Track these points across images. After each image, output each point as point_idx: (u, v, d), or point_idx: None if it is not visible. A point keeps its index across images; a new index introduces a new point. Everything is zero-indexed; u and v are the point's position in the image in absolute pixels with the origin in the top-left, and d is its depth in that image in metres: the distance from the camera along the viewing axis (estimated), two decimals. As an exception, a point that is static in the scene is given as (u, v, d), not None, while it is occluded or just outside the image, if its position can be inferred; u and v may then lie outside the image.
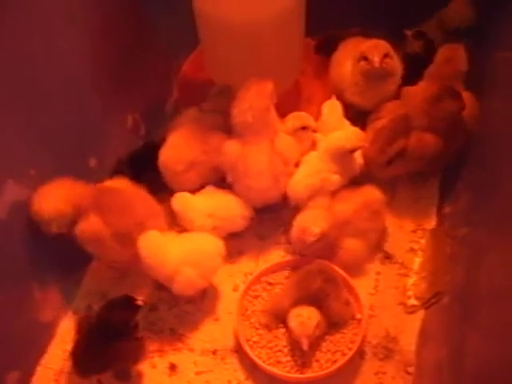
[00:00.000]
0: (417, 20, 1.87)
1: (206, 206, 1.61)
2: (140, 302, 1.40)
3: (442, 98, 1.57)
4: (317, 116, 1.75)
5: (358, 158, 1.65)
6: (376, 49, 1.65)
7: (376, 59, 1.62)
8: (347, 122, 1.73)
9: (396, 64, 1.70)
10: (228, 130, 1.61)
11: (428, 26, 1.87)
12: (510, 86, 1.45)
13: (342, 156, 1.61)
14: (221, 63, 1.72)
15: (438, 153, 1.62)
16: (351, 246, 1.56)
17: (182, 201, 1.61)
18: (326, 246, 1.53)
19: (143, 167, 1.67)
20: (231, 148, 1.58)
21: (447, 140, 1.62)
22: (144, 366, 1.48)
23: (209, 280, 1.54)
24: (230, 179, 1.61)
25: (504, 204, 1.33)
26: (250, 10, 1.51)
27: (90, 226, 1.47)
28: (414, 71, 1.73)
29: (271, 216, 1.69)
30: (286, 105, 1.77)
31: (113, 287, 1.62)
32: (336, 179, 1.62)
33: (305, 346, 1.38)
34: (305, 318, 1.41)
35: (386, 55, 1.64)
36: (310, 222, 1.51)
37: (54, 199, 1.45)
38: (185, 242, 1.52)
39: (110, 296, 1.54)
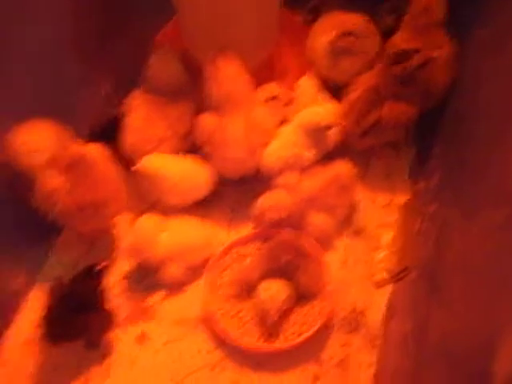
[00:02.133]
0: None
1: (173, 169, 1.59)
2: (100, 267, 1.41)
3: (399, 60, 1.56)
4: (291, 88, 1.74)
5: (336, 134, 1.65)
6: (337, 26, 1.64)
7: (333, 37, 1.62)
8: (325, 97, 1.72)
9: (365, 42, 1.68)
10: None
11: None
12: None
13: (317, 132, 1.60)
14: (197, 33, 1.70)
15: (412, 121, 1.64)
16: (318, 221, 1.56)
17: (150, 162, 1.58)
18: (293, 222, 1.54)
19: (113, 138, 1.65)
20: (207, 120, 1.58)
21: (423, 102, 1.62)
22: (113, 335, 1.49)
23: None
24: (205, 151, 1.60)
25: (471, 181, 1.34)
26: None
27: (51, 183, 1.45)
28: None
29: (245, 188, 1.68)
30: (261, 76, 1.76)
31: (83, 257, 1.61)
32: (308, 156, 1.62)
33: (272, 319, 1.40)
34: (274, 292, 1.42)
35: (347, 33, 1.64)
36: (270, 206, 1.53)
37: (38, 133, 1.47)
38: (174, 232, 1.55)
39: (80, 266, 1.53)
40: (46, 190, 1.46)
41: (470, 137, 1.47)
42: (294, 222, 1.54)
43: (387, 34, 1.74)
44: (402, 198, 1.68)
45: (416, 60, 1.55)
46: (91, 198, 1.48)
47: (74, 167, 1.46)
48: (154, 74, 1.66)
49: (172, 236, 1.54)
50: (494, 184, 1.19)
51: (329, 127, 1.61)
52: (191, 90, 1.66)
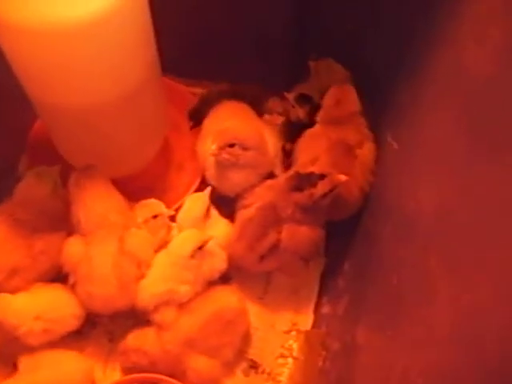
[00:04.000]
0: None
1: (30, 306, 1.35)
2: None
3: (301, 185, 1.34)
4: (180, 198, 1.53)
5: (221, 253, 1.42)
6: (221, 136, 1.39)
7: (214, 149, 1.38)
8: (215, 214, 1.48)
9: (255, 154, 1.41)
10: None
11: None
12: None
13: (189, 260, 1.35)
14: (65, 142, 1.46)
15: (317, 244, 1.43)
16: (200, 365, 1.34)
17: (1, 305, 1.33)
18: (170, 368, 1.33)
19: None
20: (73, 248, 1.35)
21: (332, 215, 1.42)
22: None
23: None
24: (71, 281, 1.37)
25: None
26: (86, 94, 1.26)
27: None
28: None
29: (124, 317, 1.44)
30: (152, 174, 1.56)
31: None
32: (185, 291, 1.36)
33: None
34: None
35: (231, 145, 1.37)
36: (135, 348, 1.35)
37: None
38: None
39: None
40: None
41: (380, 258, 1.28)
42: (170, 367, 1.33)
43: (298, 126, 1.55)
44: (305, 323, 1.48)
45: (321, 187, 1.32)
46: None
47: None
48: (25, 195, 1.39)
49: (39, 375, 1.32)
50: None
51: (200, 247, 1.35)
52: (66, 217, 1.40)
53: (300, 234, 1.37)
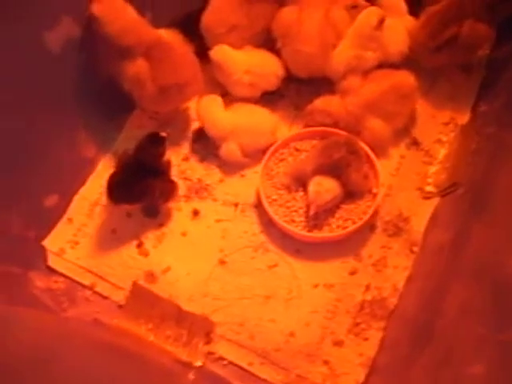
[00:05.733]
0: None
1: (243, 61, 1.65)
2: (164, 134, 1.52)
3: None
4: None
5: (402, 43, 1.66)
6: None
7: None
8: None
9: None
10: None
11: None
12: None
13: (374, 31, 1.61)
14: None
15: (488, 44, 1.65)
16: (375, 126, 1.59)
17: (221, 52, 1.64)
18: (350, 126, 1.59)
19: (192, 31, 1.68)
20: (287, 13, 1.63)
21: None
22: (170, 208, 1.61)
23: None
24: (279, 45, 1.65)
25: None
26: None
27: (136, 67, 1.54)
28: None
29: (310, 88, 1.72)
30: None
31: None
32: (370, 56, 1.63)
33: (311, 213, 1.49)
34: (323, 189, 1.49)
35: None
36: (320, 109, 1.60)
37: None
38: (241, 113, 1.64)
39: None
40: (130, 73, 1.54)
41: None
42: (350, 126, 1.59)
43: None
44: (463, 119, 1.70)
45: None
46: (173, 79, 1.56)
47: (152, 50, 1.55)
48: None
49: (237, 115, 1.63)
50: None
51: (380, 22, 1.61)
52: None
53: (479, 30, 1.60)
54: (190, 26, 1.69)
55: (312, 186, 1.50)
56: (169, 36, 1.59)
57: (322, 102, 1.62)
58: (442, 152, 1.66)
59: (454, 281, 1.34)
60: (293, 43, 1.62)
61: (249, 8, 1.67)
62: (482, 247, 1.33)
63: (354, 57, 1.62)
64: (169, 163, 1.55)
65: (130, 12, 1.53)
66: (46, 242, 1.59)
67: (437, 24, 1.61)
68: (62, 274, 1.56)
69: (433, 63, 1.69)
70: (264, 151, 1.62)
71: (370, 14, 1.62)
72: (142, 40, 1.54)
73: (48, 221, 1.60)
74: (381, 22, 1.61)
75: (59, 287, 1.55)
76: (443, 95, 1.73)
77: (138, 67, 1.54)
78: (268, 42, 1.68)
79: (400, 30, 1.67)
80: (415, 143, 1.67)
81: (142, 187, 1.50)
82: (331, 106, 1.60)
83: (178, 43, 1.59)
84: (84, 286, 1.55)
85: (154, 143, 1.50)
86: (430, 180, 1.62)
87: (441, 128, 1.69)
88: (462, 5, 1.59)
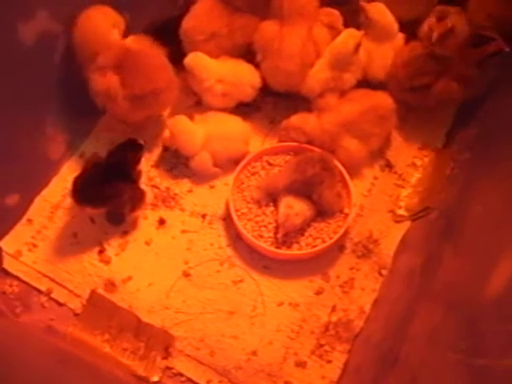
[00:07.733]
0: None
1: (217, 69, 1.62)
2: (142, 142, 1.49)
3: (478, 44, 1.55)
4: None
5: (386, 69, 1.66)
6: None
7: None
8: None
9: None
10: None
11: None
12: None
13: (352, 55, 1.59)
14: None
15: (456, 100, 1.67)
16: (351, 146, 1.57)
17: (195, 59, 1.61)
18: (325, 145, 1.57)
19: (169, 37, 1.65)
20: (269, 27, 1.60)
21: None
22: (136, 216, 1.55)
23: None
24: (259, 58, 1.62)
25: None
26: None
27: (106, 83, 1.49)
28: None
29: (287, 103, 1.70)
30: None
31: (120, 140, 1.60)
32: (348, 77, 1.62)
33: (279, 235, 1.47)
34: (293, 212, 1.46)
35: None
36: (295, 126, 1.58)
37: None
38: (213, 121, 1.60)
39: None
40: (100, 88, 1.49)
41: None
42: (325, 144, 1.57)
43: None
44: (437, 144, 1.69)
45: (491, 47, 1.53)
46: (148, 87, 1.51)
47: (122, 61, 1.50)
48: None
49: (208, 124, 1.59)
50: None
51: (357, 46, 1.59)
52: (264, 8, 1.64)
53: (452, 89, 1.60)
54: (169, 31, 1.66)
55: (282, 208, 1.47)
56: (138, 43, 1.54)
57: (297, 119, 1.60)
58: (415, 176, 1.64)
59: (423, 306, 1.31)
60: (273, 58, 1.59)
61: (231, 18, 1.64)
62: (452, 273, 1.31)
63: (332, 78, 1.60)
64: (140, 172, 1.51)
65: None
66: (3, 243, 1.52)
67: (418, 68, 1.60)
68: (17, 278, 1.50)
69: (403, 99, 1.66)
70: (236, 163, 1.59)
71: (347, 37, 1.60)
72: (109, 54, 1.50)
73: (6, 221, 1.54)
74: (358, 45, 1.59)
75: (13, 291, 1.49)
76: (419, 120, 1.71)
77: (108, 82, 1.49)
78: (249, 54, 1.65)
79: (387, 55, 1.66)
80: (389, 165, 1.65)
81: (110, 191, 1.45)
82: (307, 124, 1.58)
83: (148, 50, 1.54)
84: (40, 292, 1.49)
85: (132, 149, 1.48)
86: (401, 203, 1.60)
87: (415, 152, 1.68)
88: (446, 60, 1.58)
